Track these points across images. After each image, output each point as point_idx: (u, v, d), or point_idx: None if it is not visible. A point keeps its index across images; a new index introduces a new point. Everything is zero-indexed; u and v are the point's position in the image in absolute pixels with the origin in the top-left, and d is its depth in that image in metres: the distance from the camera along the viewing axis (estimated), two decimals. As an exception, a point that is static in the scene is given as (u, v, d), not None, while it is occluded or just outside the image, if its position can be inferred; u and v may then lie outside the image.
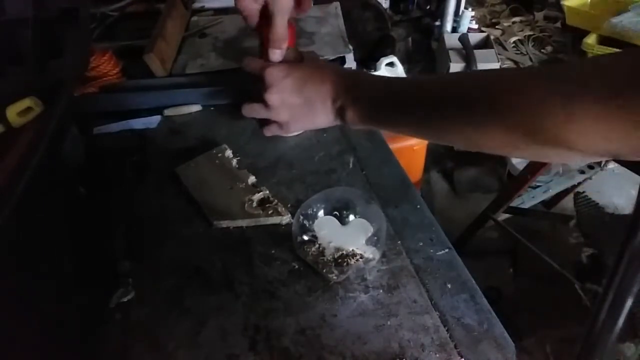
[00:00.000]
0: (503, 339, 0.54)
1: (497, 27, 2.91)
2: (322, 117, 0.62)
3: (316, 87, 0.60)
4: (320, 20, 1.13)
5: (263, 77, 0.63)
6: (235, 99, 0.92)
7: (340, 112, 0.60)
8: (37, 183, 0.49)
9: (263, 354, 0.54)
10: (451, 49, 2.27)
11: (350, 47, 1.04)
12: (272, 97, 0.63)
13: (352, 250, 0.62)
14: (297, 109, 0.63)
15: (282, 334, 0.56)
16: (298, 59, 0.68)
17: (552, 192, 1.61)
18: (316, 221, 0.65)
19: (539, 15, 2.98)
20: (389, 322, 0.56)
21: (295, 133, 0.81)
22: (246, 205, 0.70)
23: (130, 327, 0.58)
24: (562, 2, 2.75)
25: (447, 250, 0.64)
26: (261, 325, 0.57)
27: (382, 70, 1.89)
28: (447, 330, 0.55)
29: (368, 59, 1.89)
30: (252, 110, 0.69)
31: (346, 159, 0.79)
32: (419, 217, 0.69)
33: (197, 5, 1.21)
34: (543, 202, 1.77)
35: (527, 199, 1.57)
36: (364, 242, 0.63)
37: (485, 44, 2.36)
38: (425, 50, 2.70)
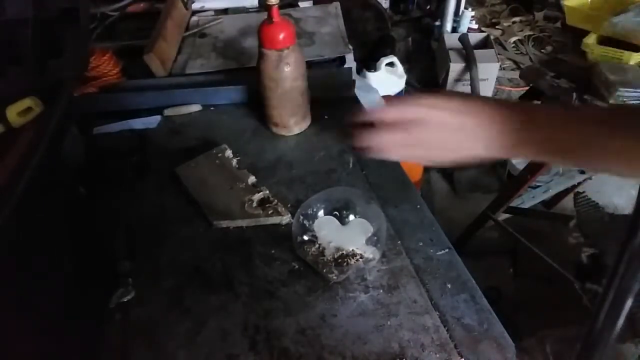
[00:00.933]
0: (503, 339, 0.54)
1: (497, 27, 2.91)
2: (481, 146, 0.51)
3: (480, 111, 0.50)
4: (320, 20, 1.13)
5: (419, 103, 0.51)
6: (236, 98, 0.92)
7: (506, 141, 0.50)
8: (37, 183, 0.49)
9: (263, 354, 0.54)
10: (451, 49, 2.27)
11: (350, 47, 1.04)
12: (429, 113, 0.50)
13: (352, 250, 0.62)
14: (452, 134, 0.51)
15: (282, 334, 0.56)
16: None
17: (552, 192, 1.61)
18: (316, 221, 0.65)
19: (539, 15, 2.98)
20: (389, 322, 0.56)
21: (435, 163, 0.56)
22: (246, 205, 0.70)
23: (130, 327, 0.58)
24: (562, 2, 2.75)
25: (447, 250, 0.64)
26: (261, 325, 0.57)
27: (382, 70, 1.89)
28: (447, 330, 0.55)
29: (368, 59, 1.89)
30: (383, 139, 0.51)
31: (346, 159, 0.79)
32: (419, 217, 0.69)
33: (197, 5, 1.21)
34: (543, 202, 1.76)
35: (527, 199, 1.57)
36: (364, 242, 0.63)
37: (485, 44, 2.36)
38: (425, 50, 2.70)
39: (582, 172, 1.60)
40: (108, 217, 0.71)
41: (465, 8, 2.53)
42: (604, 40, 2.38)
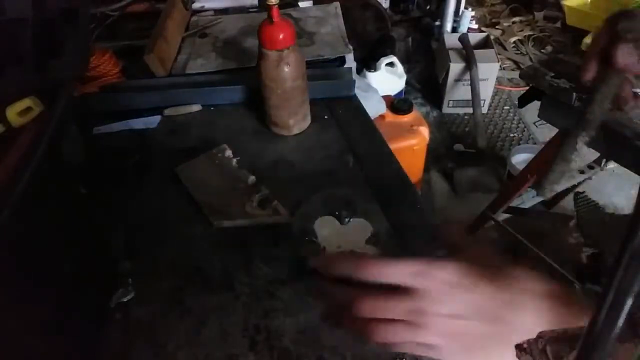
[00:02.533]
0: (503, 339, 0.54)
1: (497, 27, 2.91)
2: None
3: (516, 313, 0.38)
4: (320, 20, 1.13)
5: (420, 287, 0.39)
6: (235, 98, 0.92)
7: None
8: (37, 183, 0.49)
9: (263, 353, 0.54)
10: (451, 49, 2.28)
11: (350, 47, 1.04)
12: (439, 322, 0.38)
13: (352, 250, 0.62)
14: (475, 339, 0.39)
15: (282, 334, 0.56)
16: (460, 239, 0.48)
17: (552, 192, 1.61)
18: (316, 221, 0.65)
19: (539, 15, 2.98)
20: (389, 322, 0.56)
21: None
22: (246, 205, 0.70)
23: (130, 327, 0.58)
24: (562, 2, 2.75)
25: (447, 250, 0.64)
26: (261, 325, 0.57)
27: (382, 70, 1.90)
28: (447, 330, 0.55)
29: (368, 59, 1.89)
30: (390, 334, 0.41)
31: (346, 159, 0.79)
32: (419, 217, 0.69)
33: (197, 5, 1.21)
34: (543, 202, 1.76)
35: (527, 199, 1.57)
36: (364, 242, 0.63)
37: (485, 44, 2.36)
38: (425, 50, 2.70)
39: (582, 172, 1.60)
40: (108, 217, 0.71)
41: (465, 8, 2.54)
42: (603, 40, 2.38)
